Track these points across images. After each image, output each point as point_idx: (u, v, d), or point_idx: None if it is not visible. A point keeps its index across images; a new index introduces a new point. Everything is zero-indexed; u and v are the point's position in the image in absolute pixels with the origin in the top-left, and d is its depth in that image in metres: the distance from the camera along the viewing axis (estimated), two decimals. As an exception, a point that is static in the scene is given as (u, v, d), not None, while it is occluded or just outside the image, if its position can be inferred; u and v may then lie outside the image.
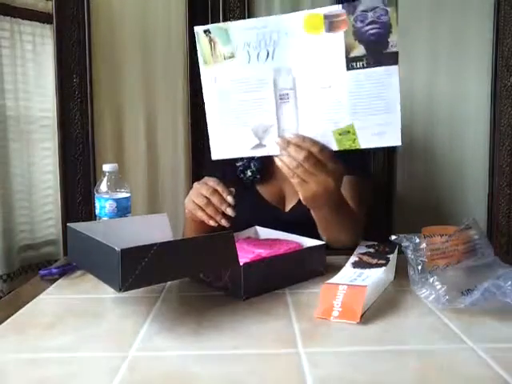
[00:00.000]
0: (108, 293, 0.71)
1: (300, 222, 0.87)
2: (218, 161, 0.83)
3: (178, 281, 0.76)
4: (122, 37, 1.49)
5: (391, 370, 0.48)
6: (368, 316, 0.62)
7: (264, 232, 0.92)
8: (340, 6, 0.69)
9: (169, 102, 1.54)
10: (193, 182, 1.49)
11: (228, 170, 1.10)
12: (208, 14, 1.51)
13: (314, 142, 0.74)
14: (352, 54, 0.70)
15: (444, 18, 1.48)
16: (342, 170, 0.79)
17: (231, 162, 1.10)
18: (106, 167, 0.90)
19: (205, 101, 0.80)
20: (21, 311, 0.66)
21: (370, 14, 0.68)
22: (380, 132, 0.71)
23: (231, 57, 0.76)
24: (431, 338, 0.56)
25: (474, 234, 0.72)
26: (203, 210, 0.85)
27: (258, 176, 1.09)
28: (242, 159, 1.10)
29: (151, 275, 0.59)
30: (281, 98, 0.75)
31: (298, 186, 0.77)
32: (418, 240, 0.71)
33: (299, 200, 0.80)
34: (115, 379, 0.47)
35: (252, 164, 1.09)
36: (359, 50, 0.70)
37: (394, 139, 0.71)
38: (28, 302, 0.69)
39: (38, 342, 0.56)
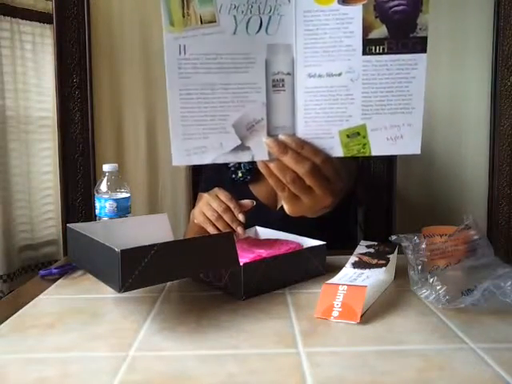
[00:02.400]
0: (108, 293, 0.71)
1: (291, 219, 0.86)
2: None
3: (178, 281, 0.76)
4: (122, 37, 1.49)
5: (391, 370, 0.48)
6: (368, 316, 0.62)
7: (264, 232, 0.92)
8: None
9: (169, 102, 1.54)
10: (193, 182, 1.51)
11: (223, 169, 1.10)
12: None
13: (317, 150, 0.58)
14: (371, 36, 0.56)
15: (444, 18, 1.48)
16: (345, 184, 0.65)
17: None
18: (106, 167, 0.90)
19: (166, 79, 0.59)
20: (21, 311, 0.66)
21: None
22: (397, 136, 0.59)
23: (211, 21, 0.56)
24: (431, 337, 0.56)
25: (474, 234, 0.72)
26: (213, 225, 0.85)
27: (249, 177, 1.09)
28: None
29: (151, 276, 0.59)
30: (274, 85, 0.58)
31: (287, 201, 0.62)
32: (417, 240, 0.70)
33: None
34: (115, 379, 0.47)
35: (242, 165, 1.09)
36: (380, 31, 0.56)
37: (412, 146, 0.59)
38: (28, 302, 0.69)
39: (38, 341, 0.56)
